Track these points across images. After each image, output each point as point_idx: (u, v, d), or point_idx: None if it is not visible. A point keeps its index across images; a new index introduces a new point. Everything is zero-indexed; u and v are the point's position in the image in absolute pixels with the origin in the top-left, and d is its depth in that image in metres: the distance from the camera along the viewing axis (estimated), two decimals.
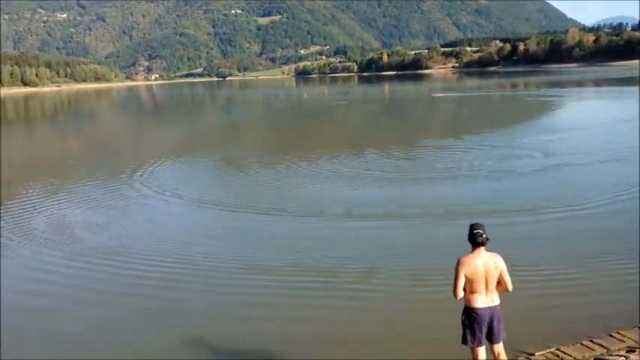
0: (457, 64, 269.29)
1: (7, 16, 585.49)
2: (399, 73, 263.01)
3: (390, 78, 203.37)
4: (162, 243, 13.22)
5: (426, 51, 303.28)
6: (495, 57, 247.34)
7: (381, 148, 26.42)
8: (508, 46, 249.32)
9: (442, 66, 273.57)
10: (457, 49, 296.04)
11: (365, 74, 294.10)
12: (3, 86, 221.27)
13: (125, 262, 11.89)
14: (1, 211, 17.07)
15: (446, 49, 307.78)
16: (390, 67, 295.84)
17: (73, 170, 25.68)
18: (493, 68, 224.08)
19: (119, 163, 25.89)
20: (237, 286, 10.41)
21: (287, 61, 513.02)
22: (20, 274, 11.82)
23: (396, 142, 29.91)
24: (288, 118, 57.66)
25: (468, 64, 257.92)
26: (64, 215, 16.45)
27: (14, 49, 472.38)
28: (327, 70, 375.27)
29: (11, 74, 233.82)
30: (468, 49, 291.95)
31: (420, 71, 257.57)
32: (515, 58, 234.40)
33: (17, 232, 14.68)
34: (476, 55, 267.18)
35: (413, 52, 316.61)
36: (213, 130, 48.86)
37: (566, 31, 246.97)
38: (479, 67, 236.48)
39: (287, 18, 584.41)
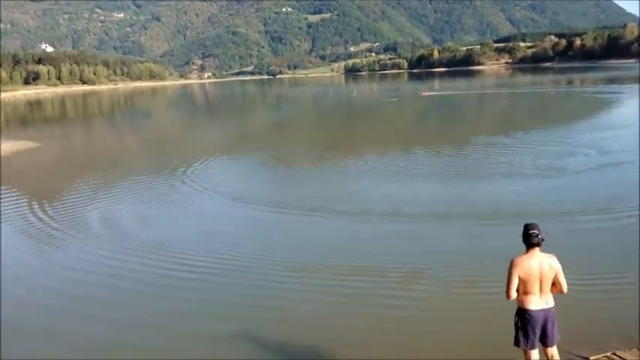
0: (510, 60, 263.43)
1: (66, 16, 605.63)
2: (450, 69, 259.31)
3: (441, 74, 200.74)
4: (204, 242, 13.28)
5: (479, 47, 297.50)
6: (550, 52, 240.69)
7: (430, 146, 26.21)
8: (563, 42, 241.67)
9: (495, 62, 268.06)
10: (510, 44, 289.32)
11: (415, 71, 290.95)
12: (62, 84, 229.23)
13: (166, 261, 11.98)
14: (52, 205, 17.84)
15: (499, 44, 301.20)
16: (440, 64, 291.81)
17: (125, 166, 26.51)
18: (548, 64, 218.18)
19: (169, 160, 26.46)
20: (279, 287, 10.30)
21: (336, 59, 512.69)
22: (59, 271, 12.07)
23: (446, 139, 29.62)
24: (337, 116, 57.68)
25: (522, 60, 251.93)
26: (109, 211, 16.94)
27: (73, 48, 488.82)
28: (377, 67, 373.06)
29: (70, 72, 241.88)
30: (522, 44, 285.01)
31: (471, 67, 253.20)
32: (571, 53, 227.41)
33: (64, 227, 15.25)
34: (530, 51, 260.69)
35: (465, 48, 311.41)
36: (262, 127, 49.33)
37: (625, 25, 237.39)
38: (533, 63, 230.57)
39: (337, 15, 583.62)
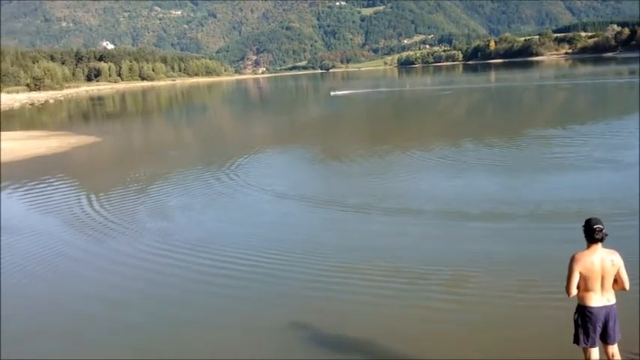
0: (570, 51, 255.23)
1: (126, 14, 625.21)
2: (507, 60, 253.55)
3: (497, 66, 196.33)
4: (249, 239, 13.09)
5: (537, 37, 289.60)
6: (612, 42, 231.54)
7: (484, 138, 25.75)
8: (627, 31, 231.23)
9: (554, 52, 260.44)
10: (571, 34, 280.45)
11: (470, 62, 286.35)
12: (122, 80, 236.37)
13: (209, 258, 11.91)
14: (106, 197, 18.49)
15: (558, 34, 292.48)
16: (497, 55, 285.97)
17: (178, 161, 27.09)
18: (610, 54, 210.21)
19: (220, 155, 26.99)
20: (323, 286, 10.04)
21: (390, 52, 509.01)
22: (102, 261, 12.35)
23: (501, 131, 29.12)
24: (389, 109, 57.20)
25: (583, 50, 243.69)
26: (159, 204, 17.30)
27: (133, 45, 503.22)
28: (431, 60, 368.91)
29: (130, 69, 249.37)
30: (583, 34, 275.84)
31: (530, 58, 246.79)
32: (634, 43, 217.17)
33: (115, 219, 15.74)
34: (591, 41, 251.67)
35: (522, 39, 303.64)
36: (313, 121, 49.41)
37: None
38: (594, 53, 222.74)
39: (391, 8, 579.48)
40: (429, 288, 9.65)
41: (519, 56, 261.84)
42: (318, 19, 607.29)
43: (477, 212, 13.83)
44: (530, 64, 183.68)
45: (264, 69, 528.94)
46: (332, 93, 79.59)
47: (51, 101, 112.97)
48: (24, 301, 10.36)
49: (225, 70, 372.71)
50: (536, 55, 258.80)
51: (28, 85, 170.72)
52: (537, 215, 13.23)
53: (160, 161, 27.13)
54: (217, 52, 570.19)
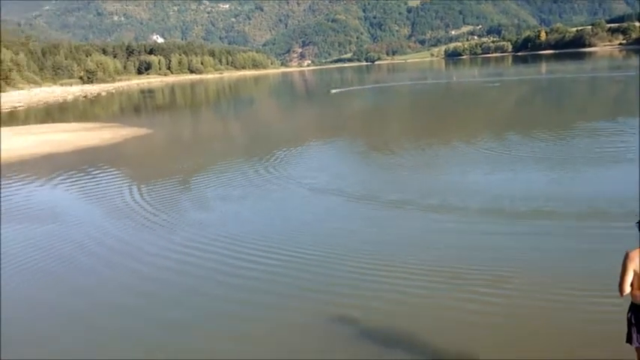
0: (624, 41, 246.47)
1: (175, 8, 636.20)
2: (558, 51, 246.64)
3: (548, 57, 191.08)
4: (283, 233, 13.07)
5: (590, 27, 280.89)
6: None
7: (532, 131, 25.14)
8: None
9: (607, 43, 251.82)
10: (625, 24, 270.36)
11: (520, 54, 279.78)
12: (172, 73, 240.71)
13: (244, 254, 11.80)
14: (150, 188, 18.92)
15: (612, 24, 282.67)
16: (548, 46, 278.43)
17: (223, 153, 27.48)
18: None
19: (264, 148, 27.03)
20: (358, 283, 9.86)
21: (437, 43, 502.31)
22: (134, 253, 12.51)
23: (550, 124, 28.20)
24: (435, 101, 56.49)
25: (637, 41, 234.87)
26: (199, 197, 17.55)
27: (182, 38, 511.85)
28: (479, 51, 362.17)
29: (179, 62, 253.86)
30: (637, 24, 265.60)
31: (582, 49, 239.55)
32: None
33: (155, 210, 16.08)
34: None
35: (574, 29, 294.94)
36: (357, 113, 49.20)
37: None
38: None
39: None
40: (470, 286, 9.41)
41: (571, 47, 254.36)
42: (364, 11, 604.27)
43: (524, 209, 13.39)
44: (583, 55, 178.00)
45: (310, 62, 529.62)
46: (332, 91, 79.02)
47: (103, 94, 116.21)
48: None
49: (271, 63, 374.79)
50: (589, 45, 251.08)
51: (81, 77, 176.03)
52: (586, 213, 12.80)
53: (208, 153, 27.60)
54: (264, 45, 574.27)
